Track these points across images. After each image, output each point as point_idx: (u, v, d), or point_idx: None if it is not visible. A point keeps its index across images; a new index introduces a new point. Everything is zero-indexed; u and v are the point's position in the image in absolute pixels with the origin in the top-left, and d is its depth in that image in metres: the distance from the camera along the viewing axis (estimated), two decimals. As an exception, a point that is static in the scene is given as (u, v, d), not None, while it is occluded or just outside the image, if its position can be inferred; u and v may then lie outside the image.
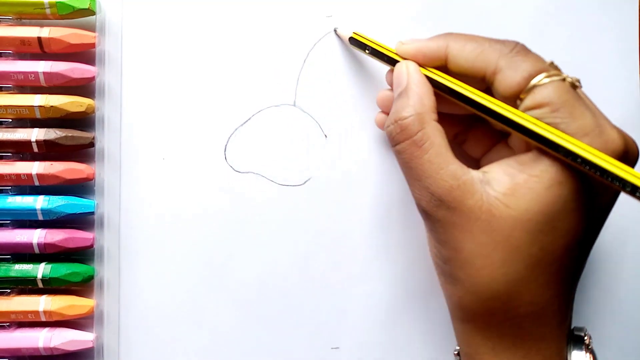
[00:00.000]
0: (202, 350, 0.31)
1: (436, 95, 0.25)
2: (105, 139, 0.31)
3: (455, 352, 0.26)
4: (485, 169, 0.24)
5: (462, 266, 0.23)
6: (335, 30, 0.31)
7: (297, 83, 0.31)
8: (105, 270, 0.31)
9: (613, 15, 0.32)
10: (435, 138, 0.24)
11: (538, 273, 0.22)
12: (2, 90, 0.30)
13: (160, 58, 0.31)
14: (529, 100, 0.23)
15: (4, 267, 0.30)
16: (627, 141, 0.22)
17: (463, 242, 0.23)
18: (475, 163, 0.29)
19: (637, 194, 0.20)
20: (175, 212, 0.31)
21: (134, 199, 0.31)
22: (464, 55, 0.25)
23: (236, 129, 0.31)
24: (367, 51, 0.28)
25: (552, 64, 0.24)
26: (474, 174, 0.23)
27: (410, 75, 0.25)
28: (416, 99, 0.25)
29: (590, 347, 0.24)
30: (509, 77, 0.23)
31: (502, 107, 0.23)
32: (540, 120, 0.22)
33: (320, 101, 0.31)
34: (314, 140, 0.32)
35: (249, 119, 0.31)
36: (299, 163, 0.31)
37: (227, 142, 0.31)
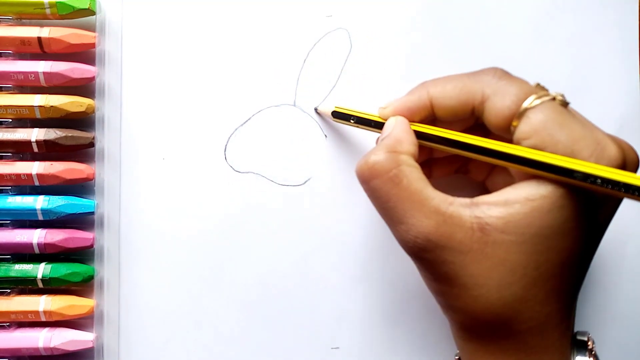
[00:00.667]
0: (202, 351, 0.31)
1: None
2: (105, 139, 0.31)
3: (457, 358, 0.26)
4: (476, 197, 0.23)
5: (459, 297, 0.22)
6: (315, 110, 0.31)
7: (297, 83, 0.31)
8: (105, 270, 0.31)
9: (613, 15, 0.32)
10: (411, 175, 0.23)
11: (536, 291, 0.22)
12: (2, 90, 0.30)
13: (160, 58, 0.31)
14: (524, 126, 0.22)
15: (4, 267, 0.30)
16: (625, 150, 0.22)
17: (457, 276, 0.22)
18: (481, 185, 0.29)
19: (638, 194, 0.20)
20: (175, 212, 0.31)
21: (134, 199, 0.31)
22: (446, 95, 0.24)
23: (236, 129, 0.31)
24: (352, 121, 0.28)
25: (538, 85, 0.23)
26: (459, 201, 0.22)
27: (397, 124, 0.25)
28: (393, 141, 0.24)
29: (593, 351, 0.24)
30: (498, 103, 0.23)
31: (497, 144, 0.23)
32: (541, 145, 0.22)
33: (320, 101, 0.31)
34: (314, 140, 0.32)
35: (249, 119, 0.31)
36: (299, 163, 0.31)
37: (227, 142, 0.31)
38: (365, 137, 0.31)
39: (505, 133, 0.23)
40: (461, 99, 0.24)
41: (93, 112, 0.31)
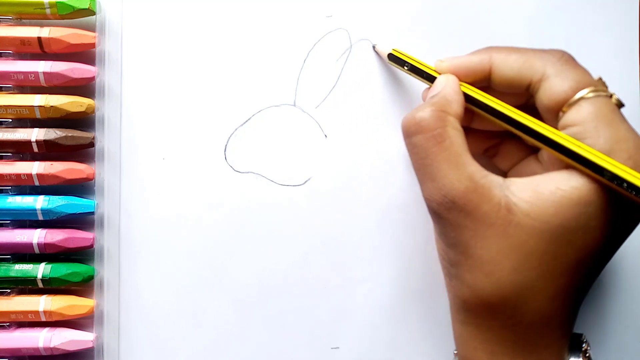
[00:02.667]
0: (202, 350, 0.31)
1: (472, 112, 0.25)
2: (105, 139, 0.31)
3: (455, 352, 0.26)
4: (508, 178, 0.23)
5: (470, 270, 0.22)
6: (374, 47, 0.31)
7: (297, 83, 0.31)
8: (105, 270, 0.31)
9: (613, 15, 0.32)
10: (455, 138, 0.23)
11: (548, 283, 0.22)
12: (2, 90, 0.30)
13: (160, 58, 0.31)
14: (573, 113, 0.22)
15: (4, 267, 0.30)
16: None
17: (474, 247, 0.22)
18: (502, 175, 0.29)
19: None
20: (175, 212, 0.31)
21: (134, 199, 0.31)
22: (508, 64, 0.24)
23: (236, 129, 0.31)
24: (405, 67, 0.28)
25: (600, 79, 0.23)
26: (494, 178, 0.23)
27: (448, 83, 0.25)
28: (443, 100, 0.24)
29: (587, 354, 0.24)
30: (556, 85, 0.23)
31: (539, 125, 0.23)
32: (583, 135, 0.22)
33: (320, 101, 0.31)
34: (314, 140, 0.32)
35: (249, 119, 0.31)
36: (299, 163, 0.31)
37: (227, 142, 0.31)
38: (365, 136, 0.31)
39: (553, 116, 0.23)
40: (522, 72, 0.24)
41: (93, 112, 0.31)
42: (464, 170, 0.22)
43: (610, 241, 0.22)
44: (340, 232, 0.31)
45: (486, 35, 0.32)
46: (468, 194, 0.22)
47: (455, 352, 0.26)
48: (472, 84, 0.26)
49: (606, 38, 0.32)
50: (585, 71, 0.23)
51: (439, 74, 0.26)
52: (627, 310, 0.32)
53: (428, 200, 0.24)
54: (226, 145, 0.31)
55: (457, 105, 0.24)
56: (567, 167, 0.22)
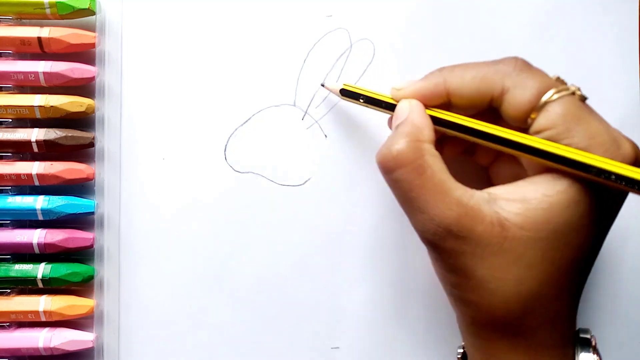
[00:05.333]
0: (202, 350, 0.31)
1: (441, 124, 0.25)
2: (105, 139, 0.31)
3: (459, 357, 0.26)
4: (491, 189, 0.23)
5: (474, 290, 0.22)
6: (322, 85, 0.31)
7: (297, 83, 0.31)
8: (105, 270, 0.31)
9: (613, 15, 0.32)
10: (435, 165, 0.23)
11: (550, 287, 0.22)
12: (2, 90, 0.30)
13: (160, 58, 0.31)
14: (542, 119, 0.22)
15: (4, 267, 0.30)
16: (637, 149, 0.22)
17: (474, 269, 0.22)
18: (484, 170, 0.29)
19: None
20: (175, 212, 0.31)
21: (134, 199, 0.31)
22: (465, 84, 0.24)
23: (236, 129, 0.31)
24: (361, 100, 0.28)
25: (558, 78, 0.24)
26: (479, 195, 0.22)
27: (412, 108, 0.25)
28: (415, 129, 0.24)
29: (596, 348, 0.24)
30: (518, 95, 0.23)
31: (516, 135, 0.23)
32: (557, 137, 0.22)
33: (320, 101, 0.31)
34: (314, 140, 0.31)
35: (249, 119, 0.31)
36: (299, 163, 0.31)
37: (227, 142, 0.31)
38: (365, 137, 0.31)
39: (522, 124, 0.23)
40: (480, 90, 0.24)
41: (93, 112, 0.31)
42: (452, 196, 0.22)
43: (599, 236, 0.23)
44: (340, 232, 0.31)
45: (486, 35, 0.32)
46: (460, 220, 0.22)
47: (459, 355, 0.26)
48: (434, 107, 0.25)
49: (606, 38, 0.32)
50: (542, 74, 0.23)
51: (397, 102, 0.26)
52: (629, 310, 0.32)
53: (421, 232, 0.23)
54: (226, 145, 0.31)
55: (428, 130, 0.24)
56: (548, 169, 0.22)
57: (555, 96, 0.22)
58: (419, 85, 0.25)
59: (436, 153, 0.24)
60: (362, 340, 0.31)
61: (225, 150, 0.31)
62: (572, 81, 0.30)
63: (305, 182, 0.31)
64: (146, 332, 0.31)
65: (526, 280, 0.22)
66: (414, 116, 0.24)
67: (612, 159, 0.21)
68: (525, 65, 0.24)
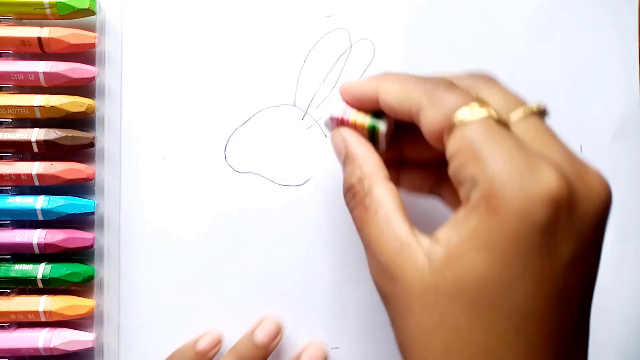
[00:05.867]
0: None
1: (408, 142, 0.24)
2: (105, 139, 0.31)
3: None
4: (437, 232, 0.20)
5: (410, 354, 0.19)
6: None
7: (297, 83, 0.31)
8: (105, 270, 0.31)
9: (613, 15, 0.32)
10: (383, 199, 0.21)
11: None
12: (2, 90, 0.30)
13: (160, 58, 0.31)
14: (450, 144, 0.19)
15: (4, 267, 0.30)
16: (575, 185, 0.18)
17: (405, 323, 0.19)
18: None
19: None
20: (175, 212, 0.31)
21: (134, 199, 0.31)
22: (392, 95, 0.22)
23: (236, 129, 0.31)
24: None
25: (478, 98, 0.20)
26: (422, 238, 0.19)
27: (346, 141, 0.24)
28: (357, 163, 0.22)
29: None
30: (430, 116, 0.20)
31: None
32: (459, 170, 0.19)
33: (320, 101, 0.31)
34: (314, 140, 0.32)
35: (249, 119, 0.31)
36: (299, 163, 0.31)
37: (227, 142, 0.31)
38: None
39: (442, 148, 0.20)
40: (402, 105, 0.21)
41: (93, 112, 0.31)
42: (392, 231, 0.20)
43: (552, 288, 0.18)
44: (340, 232, 0.31)
45: (487, 36, 0.32)
46: (395, 257, 0.19)
47: None
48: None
49: (606, 38, 0.32)
50: (462, 93, 0.20)
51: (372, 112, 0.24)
52: (628, 311, 0.32)
53: (370, 272, 0.21)
54: (226, 145, 0.31)
55: (372, 160, 0.22)
56: (463, 203, 0.19)
57: (465, 115, 0.19)
58: (357, 88, 0.24)
59: (387, 185, 0.22)
60: (362, 340, 0.31)
61: (225, 150, 0.31)
62: (572, 81, 0.30)
63: (305, 182, 0.31)
64: (146, 332, 0.31)
65: (454, 351, 0.17)
66: (354, 150, 0.23)
67: (522, 187, 0.17)
68: (448, 84, 0.21)
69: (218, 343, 0.30)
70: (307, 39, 0.31)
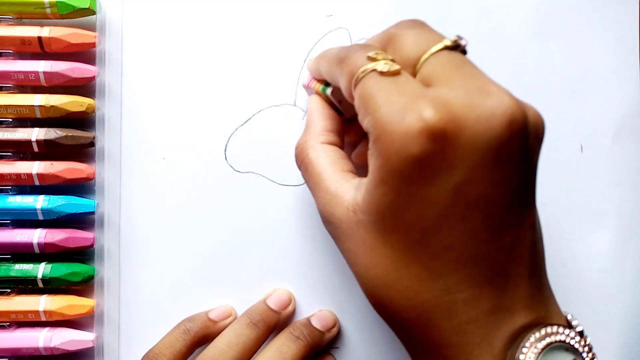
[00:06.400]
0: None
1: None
2: (106, 138, 0.31)
3: None
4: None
5: (351, 268, 0.23)
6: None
7: (297, 83, 0.31)
8: (105, 270, 0.31)
9: (613, 15, 0.32)
10: (316, 160, 0.25)
11: (401, 275, 0.21)
12: (2, 90, 0.30)
13: (160, 58, 0.31)
14: (355, 103, 0.22)
15: (4, 267, 0.30)
16: (458, 116, 0.19)
17: (343, 249, 0.23)
18: None
19: None
20: (175, 212, 0.31)
21: (134, 199, 0.31)
22: (325, 74, 0.26)
23: (236, 129, 0.31)
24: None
25: (377, 53, 0.22)
26: (352, 183, 0.23)
27: (310, 104, 0.27)
28: (306, 129, 0.26)
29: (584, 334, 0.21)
30: (342, 83, 0.23)
31: None
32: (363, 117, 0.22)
33: (320, 101, 0.31)
34: (314, 140, 0.31)
35: (249, 119, 0.31)
36: (299, 163, 0.31)
37: (227, 142, 0.31)
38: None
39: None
40: (332, 79, 0.25)
41: (93, 111, 0.31)
42: (322, 184, 0.24)
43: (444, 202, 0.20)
44: (340, 232, 0.31)
45: (487, 36, 0.32)
46: (326, 205, 0.23)
47: None
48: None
49: (606, 38, 0.32)
50: (366, 50, 0.22)
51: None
52: (628, 311, 0.32)
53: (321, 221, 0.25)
54: (226, 145, 0.31)
55: (319, 123, 0.26)
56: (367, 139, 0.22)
57: (360, 75, 0.21)
58: (309, 67, 0.28)
59: (323, 147, 0.25)
60: (362, 340, 0.31)
61: (225, 150, 0.31)
62: (572, 81, 0.30)
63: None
64: (146, 332, 0.31)
65: (375, 266, 0.21)
66: (309, 116, 0.27)
67: (393, 130, 0.19)
68: (364, 45, 0.23)
69: (230, 315, 0.30)
70: (307, 38, 0.31)
